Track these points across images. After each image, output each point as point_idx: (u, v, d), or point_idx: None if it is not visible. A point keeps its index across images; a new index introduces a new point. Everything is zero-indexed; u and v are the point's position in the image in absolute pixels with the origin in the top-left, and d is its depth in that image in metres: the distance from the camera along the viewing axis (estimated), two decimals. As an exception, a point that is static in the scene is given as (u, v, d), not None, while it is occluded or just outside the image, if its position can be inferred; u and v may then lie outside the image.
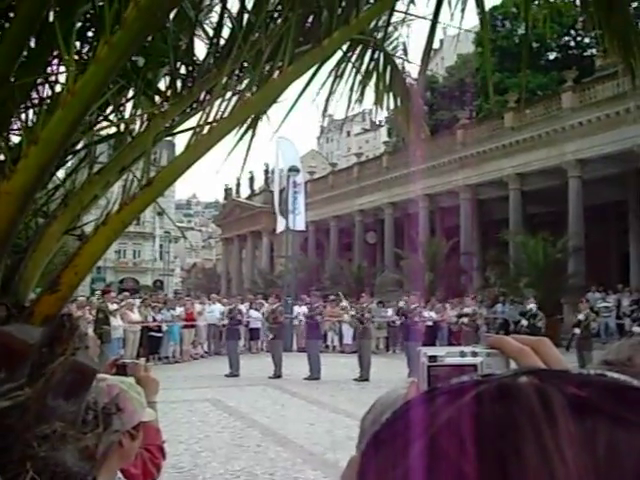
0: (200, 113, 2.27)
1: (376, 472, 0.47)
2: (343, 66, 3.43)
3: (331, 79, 3.38)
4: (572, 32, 49.03)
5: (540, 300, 23.86)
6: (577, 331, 16.96)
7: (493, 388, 0.45)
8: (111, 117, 2.66)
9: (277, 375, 18.69)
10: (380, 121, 69.52)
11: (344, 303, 26.20)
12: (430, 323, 26.22)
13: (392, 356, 22.70)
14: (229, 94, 2.36)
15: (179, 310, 24.28)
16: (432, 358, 0.71)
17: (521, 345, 0.69)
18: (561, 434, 0.41)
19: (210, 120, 2.18)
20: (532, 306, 17.38)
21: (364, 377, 17.88)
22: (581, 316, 17.46)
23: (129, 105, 2.69)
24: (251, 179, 60.91)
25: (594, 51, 44.91)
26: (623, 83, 23.39)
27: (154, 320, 22.56)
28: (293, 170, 32.42)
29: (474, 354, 0.70)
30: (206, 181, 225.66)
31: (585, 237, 30.63)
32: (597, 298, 27.29)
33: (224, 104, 2.24)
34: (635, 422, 0.42)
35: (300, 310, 24.66)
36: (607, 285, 29.08)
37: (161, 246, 72.73)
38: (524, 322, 17.30)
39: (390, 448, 0.47)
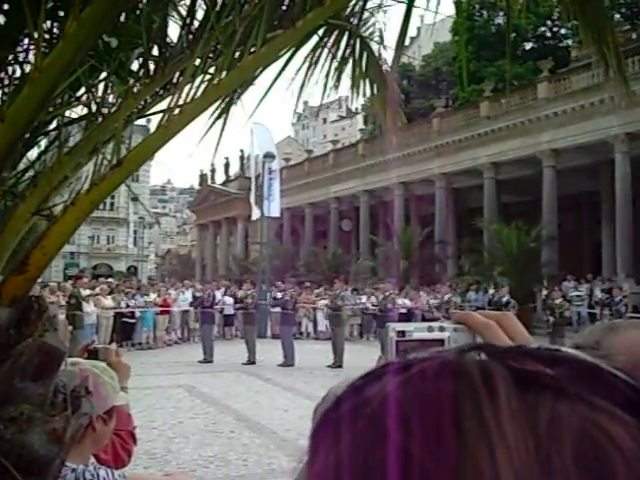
0: (172, 94, 2.25)
1: (324, 451, 0.46)
2: (319, 52, 3.40)
3: (307, 65, 3.36)
4: (548, 23, 49.29)
5: (514, 288, 24.04)
6: (550, 318, 17.22)
7: (436, 364, 0.45)
8: (83, 98, 2.63)
9: (251, 361, 18.68)
10: (356, 108, 69.48)
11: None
12: (404, 310, 26.38)
13: (366, 343, 22.79)
14: (202, 76, 2.34)
15: (153, 296, 24.18)
16: (400, 333, 0.71)
17: (486, 320, 0.69)
18: (502, 409, 0.41)
19: (182, 102, 2.16)
20: (505, 294, 17.51)
21: (338, 364, 17.93)
22: (554, 304, 17.65)
23: (101, 86, 2.66)
24: (226, 165, 60.70)
25: (570, 42, 45.24)
26: (598, 74, 23.51)
27: (127, 306, 22.45)
28: (268, 156, 32.29)
29: (441, 329, 0.70)
30: (181, 167, 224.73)
31: (558, 226, 30.90)
32: (570, 287, 27.56)
33: (196, 85, 2.22)
34: (578, 395, 0.41)
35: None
36: (580, 274, 29.36)
37: (135, 232, 72.28)
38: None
39: (336, 425, 0.46)
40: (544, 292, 26.64)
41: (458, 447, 0.40)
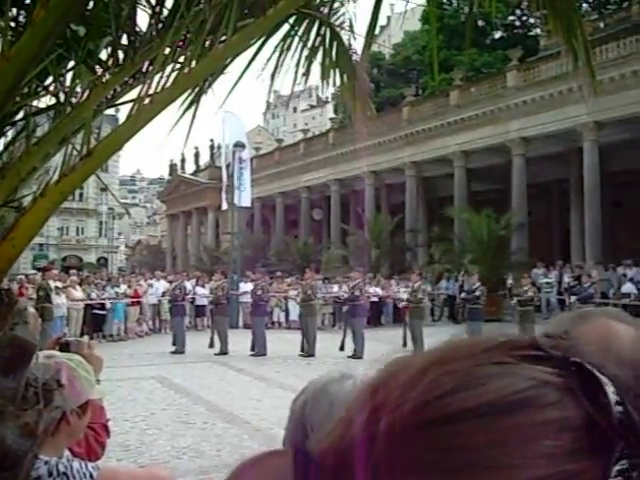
0: (142, 84, 2.23)
1: None
2: (289, 41, 3.39)
3: (277, 54, 3.35)
4: (517, 12, 49.56)
5: (484, 276, 24.25)
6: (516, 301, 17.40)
7: None
8: (51, 88, 2.59)
9: (223, 352, 18.65)
10: (327, 97, 69.41)
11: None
12: (375, 299, 26.47)
13: (338, 332, 22.80)
14: (172, 65, 2.32)
15: (123, 287, 24.04)
16: None
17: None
18: None
19: (152, 91, 2.14)
20: (475, 282, 17.62)
21: (310, 353, 17.96)
22: (522, 291, 17.80)
23: (70, 76, 2.62)
24: (196, 155, 60.43)
25: (539, 31, 45.54)
26: (566, 63, 23.60)
27: (98, 298, 22.30)
28: (239, 145, 32.12)
29: None
30: (151, 157, 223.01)
31: (528, 214, 31.17)
32: (539, 274, 27.83)
33: (166, 75, 2.20)
34: None
35: (246, 287, 24.60)
36: (549, 261, 29.66)
37: (105, 223, 71.66)
38: (464, 296, 17.61)
39: None
40: (509, 280, 26.95)
41: None
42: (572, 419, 0.47)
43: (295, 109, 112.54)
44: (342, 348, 17.81)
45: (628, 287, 24.98)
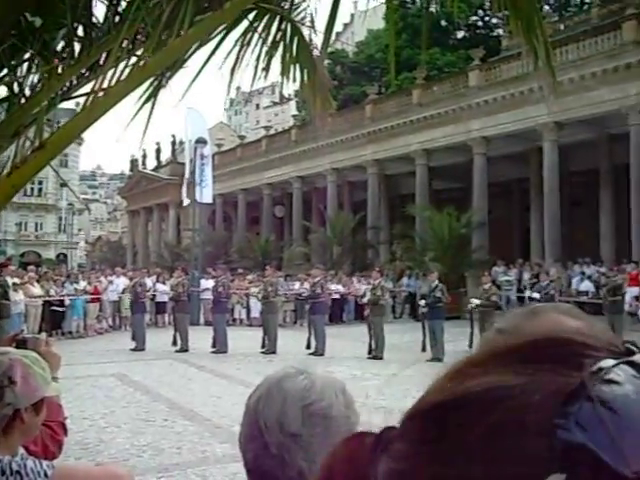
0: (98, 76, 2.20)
1: None
2: (249, 36, 3.37)
3: (237, 49, 3.32)
4: (480, 12, 49.96)
5: (445, 274, 24.40)
6: (476, 302, 17.48)
7: None
8: (5, 79, 2.54)
9: (183, 349, 18.56)
10: (289, 94, 69.36)
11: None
12: (337, 296, 26.55)
13: (299, 329, 22.83)
14: (128, 58, 2.29)
15: (83, 284, 23.80)
16: None
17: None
18: None
19: (108, 83, 2.11)
20: (434, 279, 17.71)
21: (271, 350, 17.95)
22: (482, 289, 17.94)
23: (24, 67, 2.58)
24: (157, 150, 59.93)
25: (501, 31, 45.98)
26: (527, 64, 23.90)
27: (57, 294, 22.04)
28: (200, 142, 31.95)
29: None
30: (112, 152, 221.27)
31: (489, 213, 31.44)
32: (499, 272, 28.13)
33: (123, 67, 2.17)
34: None
35: (207, 284, 24.49)
36: (509, 259, 30.00)
37: (64, 218, 70.74)
38: (425, 302, 17.67)
39: None
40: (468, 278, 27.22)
41: None
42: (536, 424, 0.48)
43: (258, 106, 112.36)
44: (308, 346, 17.84)
45: (586, 285, 25.37)
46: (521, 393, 0.48)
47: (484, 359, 0.53)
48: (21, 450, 2.40)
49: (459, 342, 16.77)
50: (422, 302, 17.90)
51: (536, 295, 18.22)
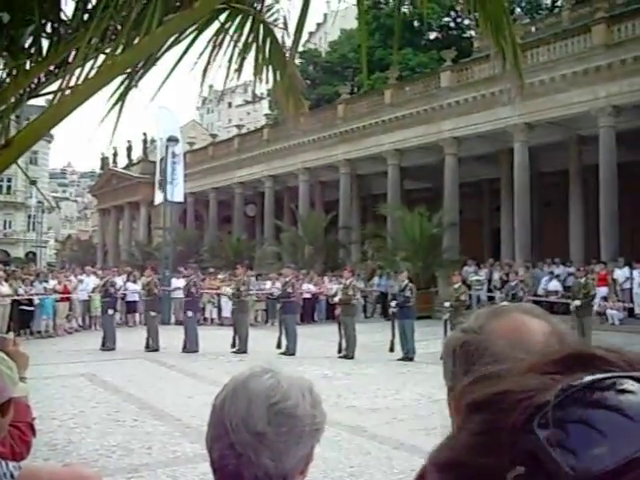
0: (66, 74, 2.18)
1: None
2: (222, 36, 3.36)
3: (209, 49, 3.31)
4: (452, 13, 50.20)
5: (416, 273, 24.46)
6: (447, 304, 17.55)
7: None
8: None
9: (154, 348, 18.47)
10: (262, 93, 69.18)
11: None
12: (308, 296, 26.56)
13: (271, 328, 22.81)
14: (97, 56, 2.27)
15: (52, 283, 23.59)
16: None
17: None
18: None
19: (76, 80, 2.10)
20: (404, 279, 17.77)
21: (242, 350, 17.92)
22: (453, 288, 18.03)
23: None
24: (129, 149, 59.50)
25: (473, 33, 46.22)
26: (498, 65, 24.09)
27: (26, 293, 21.83)
28: (172, 140, 31.82)
29: None
30: (82, 150, 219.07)
31: (460, 213, 31.65)
32: (470, 272, 28.29)
33: (90, 65, 2.15)
34: None
35: (178, 283, 24.37)
36: (480, 259, 30.22)
37: (34, 216, 69.99)
38: (396, 302, 17.71)
39: None
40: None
41: None
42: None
43: (230, 104, 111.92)
44: (279, 346, 17.81)
45: (554, 284, 25.59)
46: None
47: None
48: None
49: (430, 342, 16.84)
50: (393, 302, 17.94)
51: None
